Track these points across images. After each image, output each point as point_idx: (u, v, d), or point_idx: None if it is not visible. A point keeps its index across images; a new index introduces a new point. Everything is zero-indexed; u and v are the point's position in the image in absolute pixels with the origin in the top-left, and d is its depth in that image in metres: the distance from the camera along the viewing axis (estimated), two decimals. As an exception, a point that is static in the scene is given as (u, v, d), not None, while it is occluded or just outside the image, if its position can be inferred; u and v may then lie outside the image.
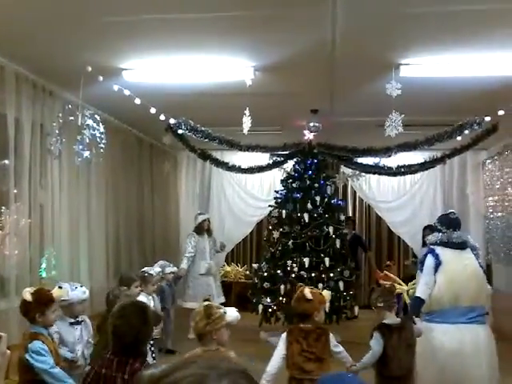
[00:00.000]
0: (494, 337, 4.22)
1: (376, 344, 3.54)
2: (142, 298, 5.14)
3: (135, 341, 2.55)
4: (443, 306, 4.09)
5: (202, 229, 7.55)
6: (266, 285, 6.82)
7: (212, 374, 0.84)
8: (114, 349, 2.56)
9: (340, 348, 3.52)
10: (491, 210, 8.25)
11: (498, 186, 7.93)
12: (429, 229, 7.92)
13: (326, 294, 3.63)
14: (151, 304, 5.02)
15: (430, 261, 4.24)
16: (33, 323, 3.26)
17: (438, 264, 4.20)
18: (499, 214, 7.87)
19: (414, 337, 3.65)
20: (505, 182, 7.60)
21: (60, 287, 3.54)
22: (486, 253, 8.17)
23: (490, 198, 8.29)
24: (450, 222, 4.41)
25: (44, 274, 5.30)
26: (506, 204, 7.55)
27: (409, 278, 7.73)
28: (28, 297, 3.25)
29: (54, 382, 3.16)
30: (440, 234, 4.36)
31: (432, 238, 4.45)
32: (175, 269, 6.64)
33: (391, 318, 3.68)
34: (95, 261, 6.28)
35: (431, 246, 4.38)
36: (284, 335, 3.44)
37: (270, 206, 7.57)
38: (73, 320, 3.75)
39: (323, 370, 3.24)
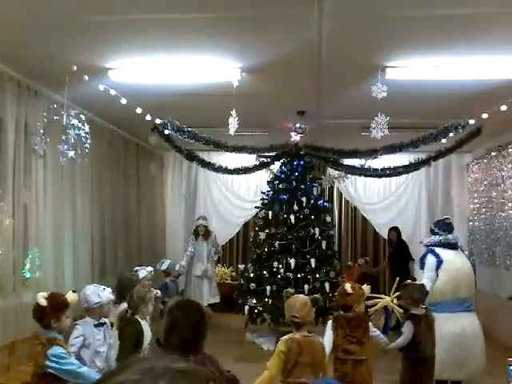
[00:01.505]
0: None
1: (407, 330, 4.14)
2: None
3: (195, 335, 2.59)
4: (445, 298, 4.84)
5: (198, 233, 8.00)
6: (252, 286, 6.81)
7: (146, 379, 0.80)
8: (172, 347, 2.58)
9: (377, 332, 4.02)
10: (475, 212, 8.34)
11: (481, 189, 8.03)
12: (394, 230, 8.30)
13: (366, 288, 4.06)
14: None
15: (431, 259, 5.02)
16: (48, 329, 3.17)
17: (440, 262, 4.98)
18: (483, 216, 7.95)
19: (433, 322, 4.28)
20: (488, 185, 7.69)
21: (74, 291, 3.44)
22: (470, 254, 8.26)
23: (475, 201, 8.39)
24: (446, 226, 5.28)
25: (28, 275, 5.24)
26: (490, 206, 7.64)
27: (361, 276, 7.84)
28: (43, 302, 3.16)
29: (83, 382, 3.12)
30: (438, 236, 5.19)
31: (430, 239, 5.26)
32: (177, 266, 6.93)
33: (417, 310, 4.26)
34: (80, 261, 6.22)
35: (430, 247, 5.15)
36: (330, 322, 3.95)
37: (256, 207, 7.57)
38: (96, 322, 3.66)
39: (364, 351, 3.76)
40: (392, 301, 4.55)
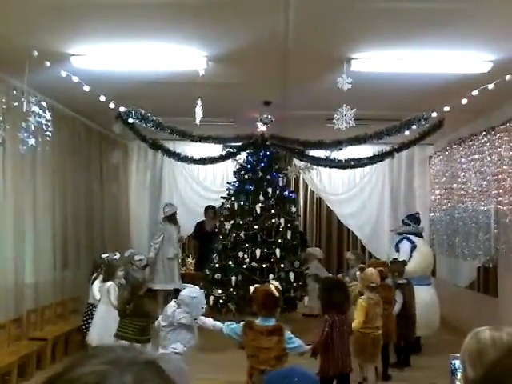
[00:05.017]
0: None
1: (399, 297, 5.63)
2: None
3: (348, 300, 4.29)
4: (417, 274, 6.21)
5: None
6: (218, 276, 6.81)
7: (113, 370, 0.76)
8: (339, 313, 3.98)
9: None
10: (436, 203, 8.54)
11: (443, 180, 8.21)
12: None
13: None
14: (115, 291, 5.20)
15: (406, 244, 6.53)
16: (271, 316, 3.55)
17: (414, 247, 6.48)
18: (444, 207, 8.15)
19: (413, 290, 5.90)
20: (449, 177, 7.87)
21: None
22: (431, 244, 8.46)
23: (436, 192, 8.58)
24: (416, 219, 6.94)
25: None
26: (450, 197, 7.83)
27: None
28: (276, 293, 3.59)
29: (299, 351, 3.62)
30: (410, 227, 6.80)
31: (403, 229, 6.86)
32: (143, 256, 7.12)
33: (401, 280, 5.84)
34: (41, 253, 6.08)
35: (404, 235, 6.68)
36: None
37: (222, 197, 7.56)
38: None
39: (391, 308, 5.35)
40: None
